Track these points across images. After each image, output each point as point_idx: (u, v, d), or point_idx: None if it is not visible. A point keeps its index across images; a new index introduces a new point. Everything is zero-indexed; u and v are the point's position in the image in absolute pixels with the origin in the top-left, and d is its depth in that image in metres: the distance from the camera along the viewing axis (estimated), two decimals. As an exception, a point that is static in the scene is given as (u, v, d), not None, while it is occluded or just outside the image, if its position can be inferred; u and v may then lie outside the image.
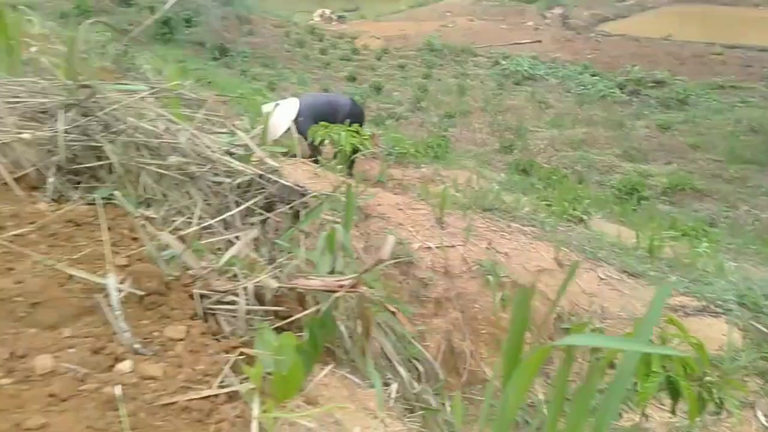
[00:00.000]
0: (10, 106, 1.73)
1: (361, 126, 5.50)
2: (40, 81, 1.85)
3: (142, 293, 1.24)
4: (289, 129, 4.67)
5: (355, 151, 5.23)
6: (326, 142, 5.25)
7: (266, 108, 4.76)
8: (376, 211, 3.89)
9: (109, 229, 1.59)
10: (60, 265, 1.25)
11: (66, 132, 1.69)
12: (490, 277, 3.61)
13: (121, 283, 1.24)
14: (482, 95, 17.16)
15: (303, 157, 4.86)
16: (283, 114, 5.39)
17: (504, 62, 19.52)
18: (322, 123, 5.17)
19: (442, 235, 3.87)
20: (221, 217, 1.65)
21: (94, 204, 1.75)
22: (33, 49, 2.44)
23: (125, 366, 1.07)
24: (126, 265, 1.42)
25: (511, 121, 14.96)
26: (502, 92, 17.48)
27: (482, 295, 3.72)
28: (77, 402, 0.97)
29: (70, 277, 1.24)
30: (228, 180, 1.83)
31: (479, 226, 4.19)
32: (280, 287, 1.43)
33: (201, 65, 14.39)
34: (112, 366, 1.07)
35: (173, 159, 1.75)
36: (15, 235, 1.33)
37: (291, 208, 1.96)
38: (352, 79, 17.92)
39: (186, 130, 1.82)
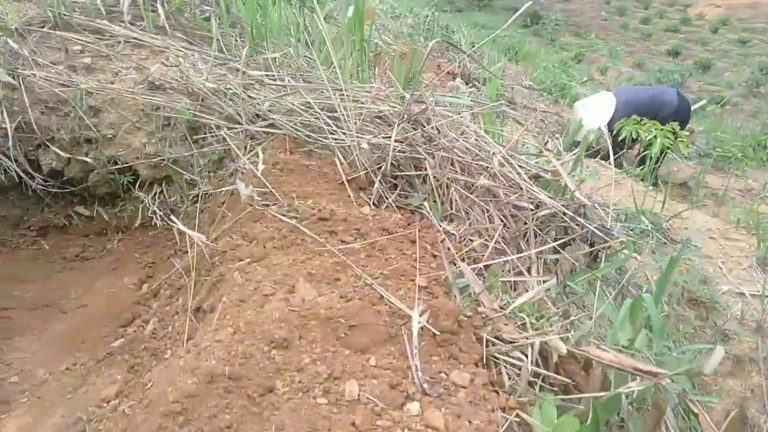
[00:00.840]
0: (356, 110, 1.96)
1: (685, 125, 4.79)
2: (382, 89, 2.05)
3: (437, 332, 1.30)
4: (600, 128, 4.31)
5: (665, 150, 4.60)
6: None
7: (579, 105, 4.47)
8: (681, 235, 3.39)
9: (413, 242, 1.71)
10: (375, 284, 1.38)
11: (396, 141, 1.84)
12: (823, 351, 2.86)
13: (420, 315, 1.31)
14: None
15: (604, 158, 4.49)
16: (597, 111, 5.03)
17: None
18: (634, 118, 4.67)
19: (764, 281, 3.19)
20: (520, 256, 1.62)
21: (404, 209, 1.91)
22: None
23: (414, 408, 1.14)
24: (425, 287, 1.51)
25: None
26: None
27: (804, 367, 3.00)
28: (371, 437, 1.07)
29: (381, 297, 1.37)
30: (531, 208, 1.78)
31: (821, 278, 3.33)
32: (568, 351, 1.35)
33: (510, 32, 14.39)
34: (403, 404, 1.15)
35: (483, 180, 1.77)
36: (345, 246, 1.52)
37: (591, 247, 1.82)
38: (674, 54, 15.84)
39: (498, 153, 1.81)
